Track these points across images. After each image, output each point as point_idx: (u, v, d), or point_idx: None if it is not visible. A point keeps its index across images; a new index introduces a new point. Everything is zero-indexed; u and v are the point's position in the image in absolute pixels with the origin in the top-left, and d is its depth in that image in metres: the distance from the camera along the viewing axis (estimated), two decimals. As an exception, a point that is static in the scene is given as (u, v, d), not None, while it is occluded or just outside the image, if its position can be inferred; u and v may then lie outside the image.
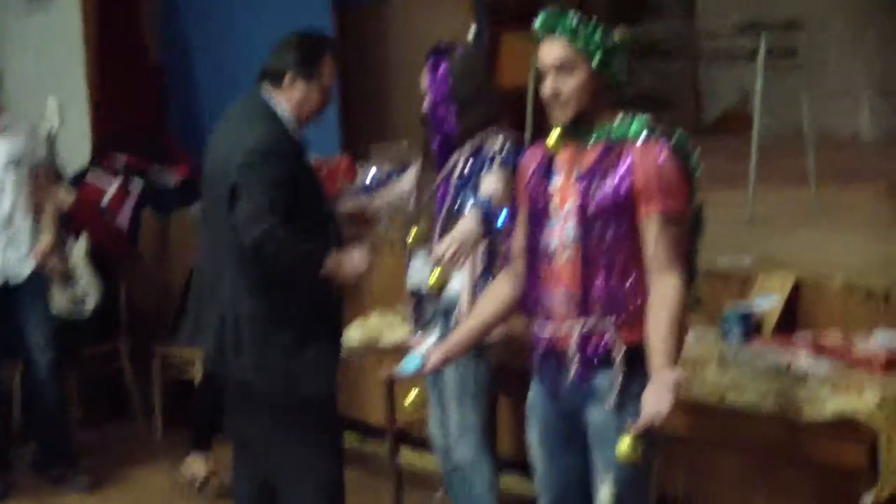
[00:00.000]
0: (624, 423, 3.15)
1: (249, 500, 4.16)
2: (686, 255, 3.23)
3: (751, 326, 4.15)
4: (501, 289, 3.48)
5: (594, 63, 3.19)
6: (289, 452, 3.92)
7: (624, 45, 3.25)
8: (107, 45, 7.18)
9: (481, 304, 3.55)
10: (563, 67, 3.21)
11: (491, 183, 3.96)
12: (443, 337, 3.74)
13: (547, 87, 3.24)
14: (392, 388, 4.87)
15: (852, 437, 3.54)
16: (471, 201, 3.91)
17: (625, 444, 3.09)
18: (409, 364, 3.40)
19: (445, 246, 3.76)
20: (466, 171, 4.04)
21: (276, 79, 3.92)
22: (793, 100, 7.92)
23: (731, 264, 4.58)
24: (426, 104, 4.14)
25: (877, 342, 3.85)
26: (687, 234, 3.24)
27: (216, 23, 7.21)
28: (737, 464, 4.55)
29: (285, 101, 3.91)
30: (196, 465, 5.45)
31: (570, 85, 3.21)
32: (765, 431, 3.76)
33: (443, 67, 4.09)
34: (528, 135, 5.93)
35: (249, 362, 3.85)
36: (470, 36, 4.57)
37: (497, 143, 4.04)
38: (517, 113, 6.17)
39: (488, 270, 4.00)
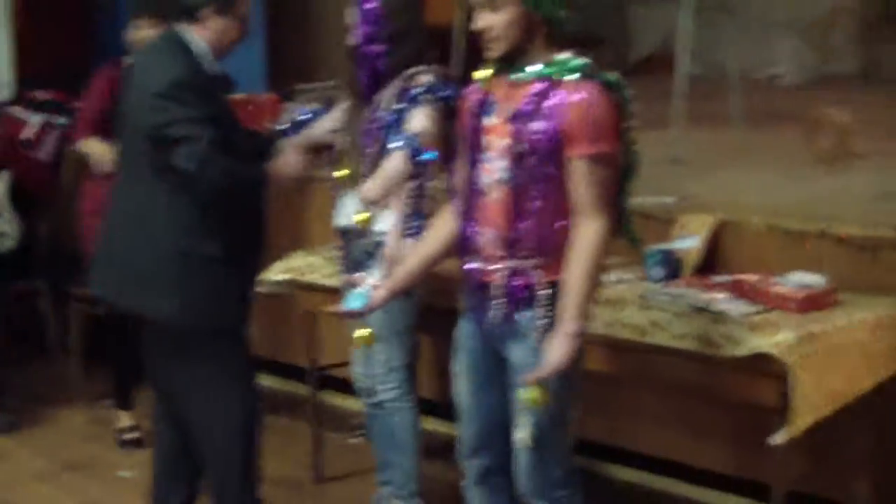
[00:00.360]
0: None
1: (168, 444, 4.13)
2: (612, 198, 3.23)
3: (672, 266, 4.16)
4: (445, 224, 3.46)
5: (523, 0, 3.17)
6: (202, 392, 3.89)
7: None
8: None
9: (426, 240, 3.53)
10: (491, 3, 3.18)
11: (419, 120, 3.92)
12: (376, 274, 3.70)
13: (477, 23, 3.21)
14: (313, 329, 4.85)
15: (767, 374, 3.57)
16: (398, 139, 3.87)
17: (529, 391, 3.15)
18: (355, 301, 3.38)
19: (373, 185, 3.72)
20: (395, 108, 3.99)
21: (190, 14, 3.83)
22: (716, 42, 7.98)
23: (653, 204, 4.59)
24: (354, 39, 4.07)
25: (793, 282, 3.88)
26: (615, 177, 3.24)
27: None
28: (656, 403, 4.61)
29: (201, 35, 3.82)
30: (121, 420, 5.41)
31: (500, 21, 3.17)
32: (684, 370, 3.77)
33: (372, 2, 4.02)
34: (455, 72, 5.89)
35: (171, 299, 3.80)
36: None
37: (425, 79, 4.00)
38: (443, 49, 6.13)
39: (416, 209, 3.97)
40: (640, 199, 4.53)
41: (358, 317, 3.48)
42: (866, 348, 3.72)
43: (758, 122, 6.47)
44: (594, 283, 3.18)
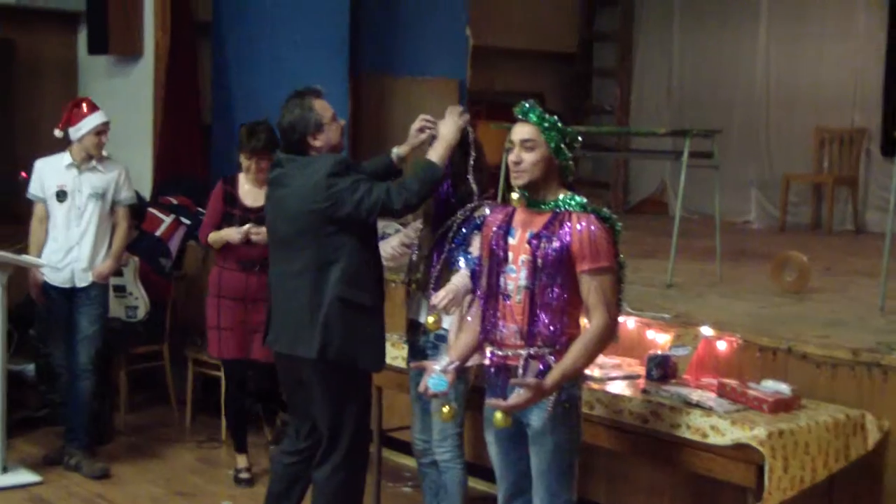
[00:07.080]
0: (555, 427, 3.29)
1: (283, 471, 4.18)
2: (615, 298, 3.30)
3: (668, 369, 4.16)
4: (475, 322, 3.51)
5: (551, 144, 3.30)
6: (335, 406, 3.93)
7: (573, 137, 3.35)
8: (171, 106, 7.17)
9: (465, 334, 3.56)
10: (527, 143, 3.33)
11: (478, 246, 3.95)
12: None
13: (513, 156, 3.35)
14: (381, 398, 4.85)
15: (745, 460, 3.58)
16: (463, 260, 3.88)
17: (498, 415, 3.24)
18: (439, 384, 3.43)
19: (443, 295, 3.74)
20: (462, 233, 3.98)
21: (301, 144, 3.91)
22: (701, 191, 8.05)
23: (654, 318, 4.61)
24: None
25: (765, 388, 3.90)
26: (615, 282, 3.31)
27: (253, 87, 7.12)
28: (651, 476, 4.57)
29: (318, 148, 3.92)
30: (238, 461, 5.35)
31: (530, 157, 3.32)
32: (678, 453, 3.77)
33: None
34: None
35: (325, 338, 3.81)
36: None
37: (484, 211, 4.03)
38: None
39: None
40: (643, 314, 4.63)
41: (442, 396, 3.52)
42: (823, 446, 3.71)
43: (733, 258, 6.50)
44: (586, 361, 3.28)
